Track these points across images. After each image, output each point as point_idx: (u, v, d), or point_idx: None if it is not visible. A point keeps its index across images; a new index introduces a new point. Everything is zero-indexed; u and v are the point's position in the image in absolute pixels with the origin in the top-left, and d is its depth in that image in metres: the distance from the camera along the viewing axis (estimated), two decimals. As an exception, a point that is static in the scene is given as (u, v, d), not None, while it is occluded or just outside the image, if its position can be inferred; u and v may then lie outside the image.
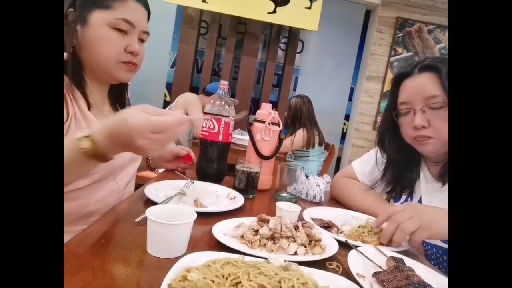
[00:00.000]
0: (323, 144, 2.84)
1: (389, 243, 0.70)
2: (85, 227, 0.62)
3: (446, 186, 0.90)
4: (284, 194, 1.00)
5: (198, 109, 2.47)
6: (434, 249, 0.89)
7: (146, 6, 0.84)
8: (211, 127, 1.01)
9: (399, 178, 0.99)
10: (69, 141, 0.57)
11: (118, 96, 0.95)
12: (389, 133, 1.00)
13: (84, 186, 0.78)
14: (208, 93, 2.64)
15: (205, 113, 1.02)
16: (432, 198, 0.93)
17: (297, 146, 2.72)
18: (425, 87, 0.85)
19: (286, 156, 2.86)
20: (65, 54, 0.75)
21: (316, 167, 2.82)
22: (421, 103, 0.86)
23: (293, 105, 2.77)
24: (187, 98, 2.54)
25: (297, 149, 2.77)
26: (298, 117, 2.74)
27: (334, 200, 1.13)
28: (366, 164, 1.12)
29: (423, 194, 0.96)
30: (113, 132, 0.57)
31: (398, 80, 0.94)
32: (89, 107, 0.80)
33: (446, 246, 0.87)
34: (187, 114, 2.45)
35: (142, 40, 0.85)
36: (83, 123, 0.77)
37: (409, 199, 1.00)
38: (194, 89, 3.29)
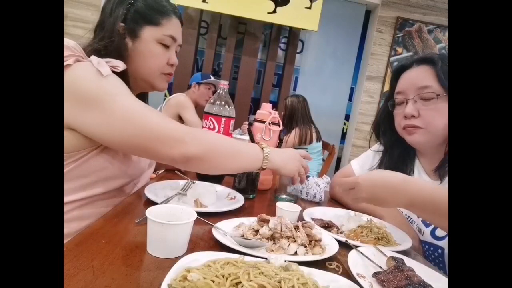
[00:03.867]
0: (321, 141, 2.83)
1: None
2: None
3: (440, 183, 0.90)
4: (284, 195, 1.00)
5: (191, 111, 2.46)
6: (432, 248, 0.89)
7: (181, 21, 0.92)
8: (211, 127, 1.01)
9: (393, 170, 1.00)
10: (255, 152, 0.84)
11: None
12: (384, 123, 1.03)
13: (105, 191, 0.79)
14: (189, 86, 2.65)
15: (205, 113, 1.02)
16: None
17: (291, 144, 2.72)
18: (419, 78, 0.89)
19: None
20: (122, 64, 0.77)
21: (316, 166, 2.82)
22: (414, 93, 0.89)
23: (288, 105, 2.77)
24: (179, 100, 2.51)
25: (294, 147, 2.77)
26: (293, 116, 2.74)
27: (334, 200, 1.13)
28: (364, 162, 1.12)
29: None
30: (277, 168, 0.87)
31: (397, 72, 0.98)
32: None
33: (437, 243, 0.88)
34: (179, 116, 2.47)
35: (175, 52, 0.92)
36: None
37: None
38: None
